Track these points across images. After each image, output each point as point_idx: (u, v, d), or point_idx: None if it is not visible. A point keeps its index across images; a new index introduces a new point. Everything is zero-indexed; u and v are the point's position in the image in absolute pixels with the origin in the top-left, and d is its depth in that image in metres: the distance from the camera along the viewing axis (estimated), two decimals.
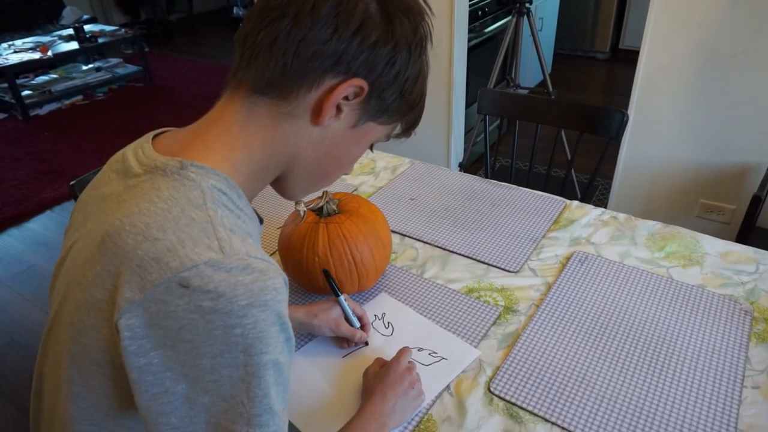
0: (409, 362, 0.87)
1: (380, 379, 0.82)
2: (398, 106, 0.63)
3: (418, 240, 1.21)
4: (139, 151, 0.60)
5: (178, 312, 0.49)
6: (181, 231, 0.51)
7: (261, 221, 0.69)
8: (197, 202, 0.53)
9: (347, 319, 0.94)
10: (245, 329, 0.49)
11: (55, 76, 4.35)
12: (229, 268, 0.50)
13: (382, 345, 0.96)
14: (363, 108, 0.61)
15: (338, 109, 0.59)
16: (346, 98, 0.59)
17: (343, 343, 0.95)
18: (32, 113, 3.99)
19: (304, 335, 0.98)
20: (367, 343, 0.96)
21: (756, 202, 1.46)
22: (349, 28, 0.55)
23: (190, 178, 0.55)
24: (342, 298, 0.93)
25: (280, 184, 0.67)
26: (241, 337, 0.50)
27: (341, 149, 0.64)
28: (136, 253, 0.51)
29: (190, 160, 0.56)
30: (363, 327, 0.95)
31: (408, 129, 0.69)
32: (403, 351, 0.87)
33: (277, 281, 0.52)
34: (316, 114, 0.59)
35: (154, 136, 0.63)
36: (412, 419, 0.81)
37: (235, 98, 0.60)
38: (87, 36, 4.26)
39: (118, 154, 0.64)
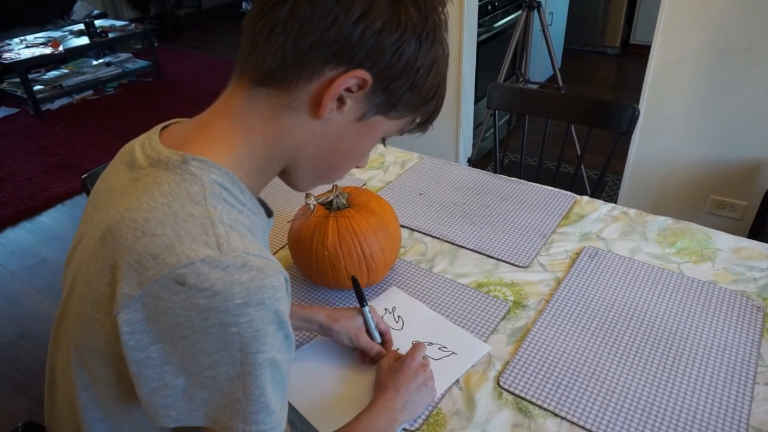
0: (424, 357, 0.85)
1: (394, 373, 0.81)
2: (409, 99, 0.59)
3: (427, 234, 1.21)
4: (146, 143, 0.60)
5: (174, 309, 0.49)
6: (180, 227, 0.51)
7: (271, 214, 0.68)
8: (197, 197, 0.53)
9: (368, 332, 0.90)
10: (241, 327, 0.49)
11: (66, 71, 4.38)
12: (225, 266, 0.49)
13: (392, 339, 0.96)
14: (369, 101, 0.58)
15: (341, 101, 0.56)
16: (349, 90, 0.56)
17: (360, 356, 0.91)
18: (44, 108, 4.02)
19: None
20: None
21: None
22: (351, 16, 0.52)
23: (191, 173, 0.54)
24: (366, 309, 0.89)
25: (286, 178, 0.66)
26: (237, 336, 0.49)
27: (346, 143, 0.61)
28: (135, 249, 0.51)
29: (192, 154, 0.55)
30: (385, 344, 0.91)
31: (423, 123, 0.65)
32: (418, 346, 0.86)
33: (276, 279, 0.52)
34: (316, 106, 0.56)
35: (163, 128, 0.63)
36: (422, 413, 0.82)
37: (238, 89, 0.58)
38: (97, 31, 4.29)
39: (128, 146, 0.64)
